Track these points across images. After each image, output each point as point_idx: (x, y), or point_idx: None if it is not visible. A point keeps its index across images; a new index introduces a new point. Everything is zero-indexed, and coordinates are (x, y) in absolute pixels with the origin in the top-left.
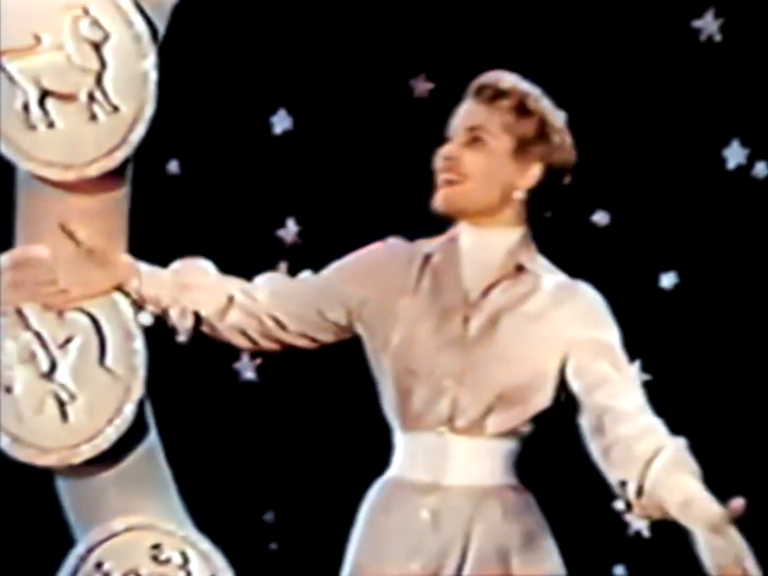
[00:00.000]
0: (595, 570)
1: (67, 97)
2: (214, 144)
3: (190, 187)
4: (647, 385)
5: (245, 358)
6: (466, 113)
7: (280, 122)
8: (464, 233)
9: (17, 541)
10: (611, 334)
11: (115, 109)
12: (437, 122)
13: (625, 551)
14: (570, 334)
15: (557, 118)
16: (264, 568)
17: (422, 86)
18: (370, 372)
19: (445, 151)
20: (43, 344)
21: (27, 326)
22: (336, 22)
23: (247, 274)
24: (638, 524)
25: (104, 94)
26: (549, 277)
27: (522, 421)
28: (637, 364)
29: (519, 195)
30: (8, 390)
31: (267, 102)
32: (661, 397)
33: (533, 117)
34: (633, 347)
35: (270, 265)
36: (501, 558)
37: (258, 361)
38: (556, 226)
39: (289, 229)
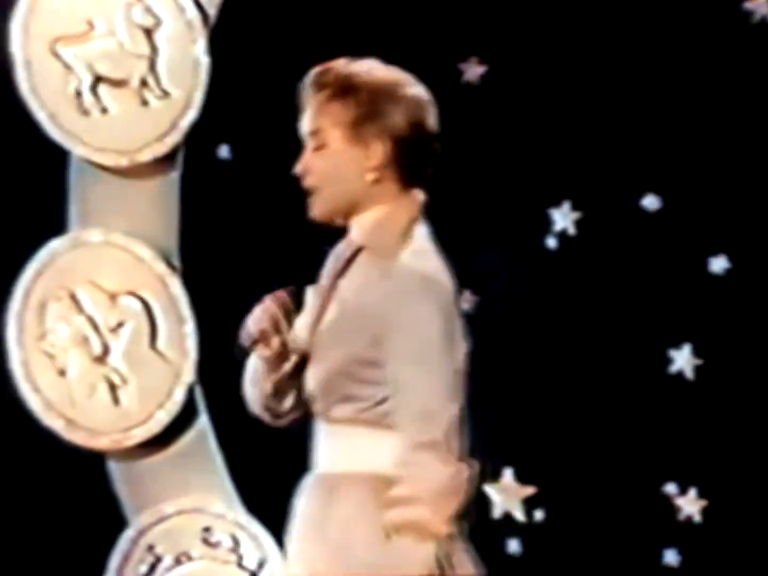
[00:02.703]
0: (645, 554)
1: (120, 83)
2: (265, 129)
3: (241, 172)
4: (699, 370)
5: None
6: (305, 119)
7: None
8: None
9: (70, 524)
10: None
11: (167, 94)
12: (489, 108)
13: (675, 536)
14: (381, 320)
15: (394, 85)
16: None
17: (474, 70)
18: None
19: (299, 162)
20: (96, 328)
21: (80, 310)
22: (382, 4)
23: (297, 260)
24: (689, 509)
25: (156, 79)
26: (388, 260)
27: (359, 409)
28: (687, 348)
29: (369, 177)
30: (62, 373)
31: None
32: (713, 383)
33: (358, 96)
34: (683, 332)
35: (320, 251)
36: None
37: None
38: (605, 211)
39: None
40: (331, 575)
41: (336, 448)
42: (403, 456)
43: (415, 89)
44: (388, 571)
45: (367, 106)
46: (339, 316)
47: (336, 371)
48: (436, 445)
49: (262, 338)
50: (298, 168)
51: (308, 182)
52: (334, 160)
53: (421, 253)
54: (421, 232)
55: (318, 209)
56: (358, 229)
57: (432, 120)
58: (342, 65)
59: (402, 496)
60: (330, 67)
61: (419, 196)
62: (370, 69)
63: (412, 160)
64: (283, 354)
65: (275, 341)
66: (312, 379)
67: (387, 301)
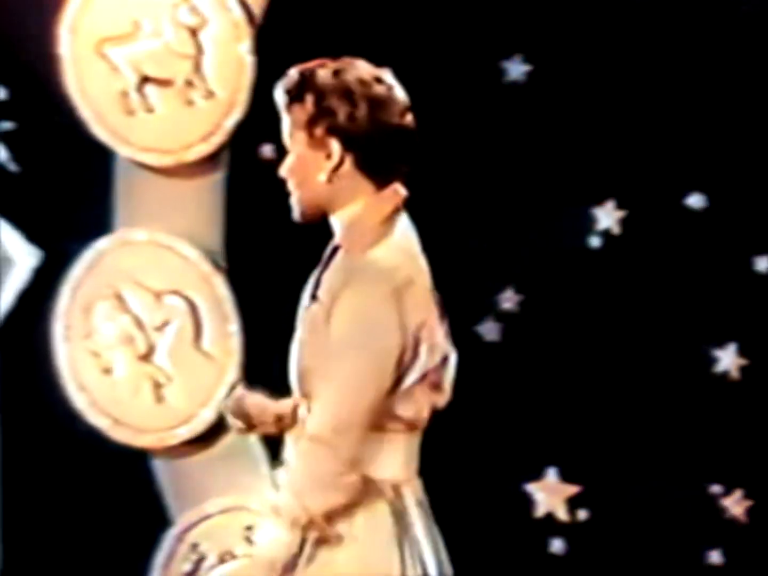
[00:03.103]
0: (689, 555)
1: (166, 83)
2: None
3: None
4: (744, 370)
5: None
6: (284, 129)
7: None
8: None
9: (114, 523)
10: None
11: (212, 94)
12: (533, 107)
13: (720, 536)
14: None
15: (354, 84)
16: None
17: (517, 69)
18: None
19: (282, 166)
20: (141, 327)
21: (126, 309)
22: (427, 4)
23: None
24: (734, 509)
25: (201, 79)
26: (349, 258)
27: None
28: (732, 347)
29: (322, 177)
30: (107, 372)
31: None
32: (758, 382)
33: (312, 97)
34: (728, 332)
35: None
36: None
37: None
38: (649, 209)
39: None
40: None
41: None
42: (301, 442)
43: (379, 88)
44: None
45: (318, 106)
46: (308, 313)
47: (305, 370)
48: (323, 441)
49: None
50: (281, 172)
51: (288, 185)
52: (299, 162)
53: (390, 249)
54: (400, 228)
55: (296, 211)
56: (335, 227)
57: (398, 118)
58: (307, 67)
59: (281, 482)
60: (296, 70)
61: (395, 192)
62: (336, 69)
63: (378, 159)
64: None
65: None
66: (293, 380)
67: (330, 294)
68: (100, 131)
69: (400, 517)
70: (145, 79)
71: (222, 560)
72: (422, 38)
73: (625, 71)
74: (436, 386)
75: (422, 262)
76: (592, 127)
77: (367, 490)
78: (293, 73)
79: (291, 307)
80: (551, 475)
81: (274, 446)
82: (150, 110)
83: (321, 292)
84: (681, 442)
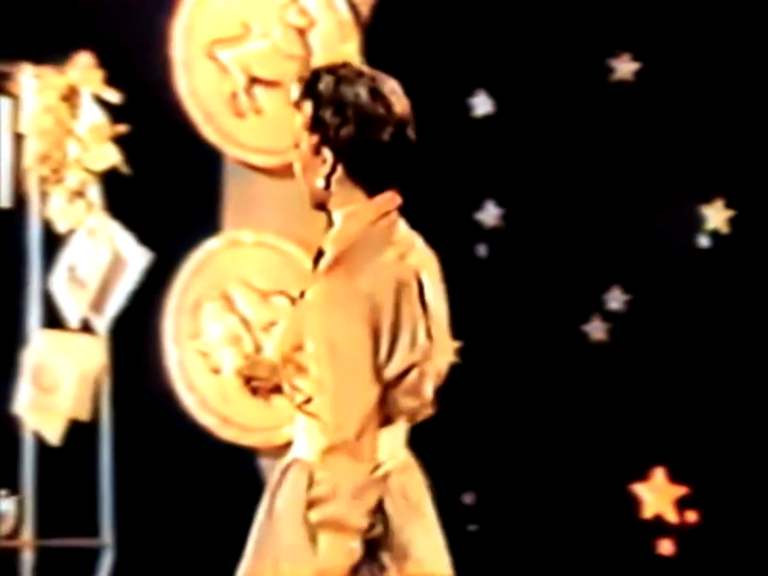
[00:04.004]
0: None
1: (274, 84)
2: (416, 126)
3: None
4: None
5: None
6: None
7: (481, 105)
8: None
9: (222, 520)
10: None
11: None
12: (641, 105)
13: None
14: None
15: (341, 96)
16: (462, 550)
17: (625, 67)
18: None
19: None
20: (248, 327)
21: (233, 310)
22: (535, 3)
23: (443, 256)
24: None
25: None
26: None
27: (301, 401)
28: None
29: (320, 183)
30: (216, 372)
31: (467, 84)
32: None
33: (309, 103)
34: None
35: (466, 248)
36: None
37: (458, 344)
38: (758, 209)
39: (489, 212)
40: (255, 562)
41: (295, 433)
42: (320, 457)
43: (374, 105)
44: (310, 563)
45: (314, 115)
46: (295, 310)
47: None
48: (348, 445)
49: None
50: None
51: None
52: (303, 161)
53: (365, 255)
54: (380, 234)
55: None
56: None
57: (389, 135)
58: (318, 70)
59: (320, 495)
60: (309, 72)
61: (388, 199)
62: (340, 78)
63: (366, 171)
64: None
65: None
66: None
67: (307, 305)
68: (209, 132)
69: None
70: (253, 81)
71: None
72: (529, 36)
73: (735, 69)
74: (410, 391)
75: (409, 268)
76: (701, 126)
77: None
78: (307, 73)
79: None
80: (659, 475)
81: None
82: (258, 111)
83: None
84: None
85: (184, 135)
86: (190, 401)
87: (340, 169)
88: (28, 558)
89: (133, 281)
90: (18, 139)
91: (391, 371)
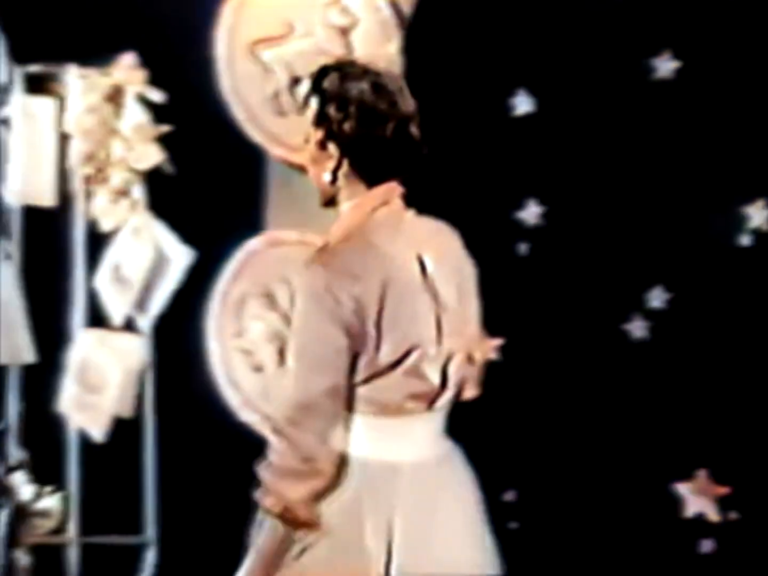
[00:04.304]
0: None
1: None
2: (458, 127)
3: (432, 170)
4: None
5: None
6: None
7: (522, 104)
8: None
9: None
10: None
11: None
12: (682, 104)
13: None
14: None
15: (344, 92)
16: (504, 547)
17: (666, 65)
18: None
19: None
20: (290, 324)
21: (275, 308)
22: (571, 2)
23: (484, 254)
24: None
25: None
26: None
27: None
28: None
29: (327, 177)
30: (258, 369)
31: (508, 83)
32: None
33: (315, 99)
34: None
35: (507, 246)
36: None
37: (498, 341)
38: None
39: (530, 210)
40: None
41: None
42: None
43: (377, 101)
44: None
45: (320, 111)
46: None
47: None
48: (282, 433)
49: None
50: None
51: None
52: (311, 156)
53: (356, 245)
54: (377, 224)
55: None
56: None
57: (391, 131)
58: (324, 67)
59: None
60: (317, 68)
61: (387, 189)
62: (345, 75)
63: (368, 166)
64: None
65: None
66: None
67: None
68: (252, 132)
69: (378, 498)
70: (296, 80)
71: None
72: (569, 35)
73: None
74: (413, 374)
75: (409, 255)
76: (743, 124)
77: (341, 475)
78: (317, 69)
79: None
80: (701, 476)
81: None
82: (301, 111)
83: None
84: None
85: (227, 134)
86: (232, 399)
87: (345, 164)
88: (73, 554)
89: (176, 280)
90: (63, 139)
91: (386, 357)
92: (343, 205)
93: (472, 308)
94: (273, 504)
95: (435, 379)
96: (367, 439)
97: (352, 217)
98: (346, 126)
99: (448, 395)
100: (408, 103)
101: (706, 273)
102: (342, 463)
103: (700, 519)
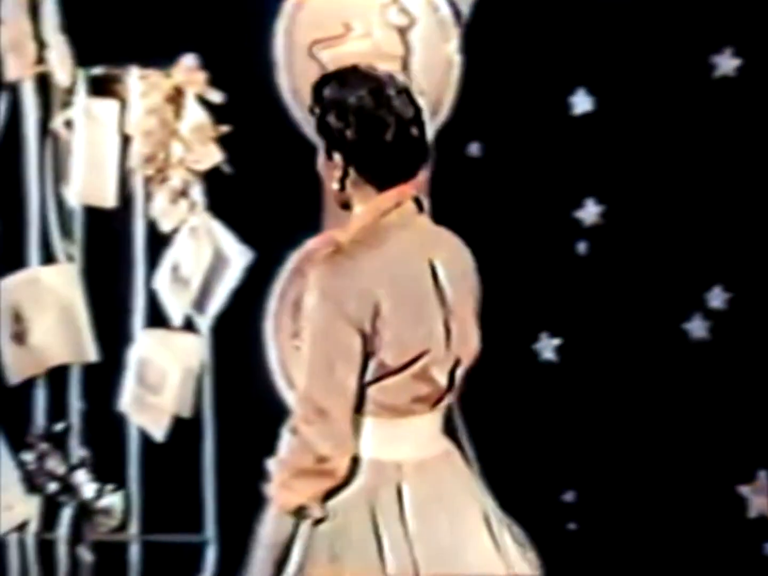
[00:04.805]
0: None
1: None
2: (516, 126)
3: (491, 170)
4: None
5: (544, 339)
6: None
7: (580, 103)
8: None
9: None
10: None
11: (420, 93)
12: (744, 101)
13: None
14: None
15: (343, 100)
16: (563, 548)
17: (728, 63)
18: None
19: None
20: None
21: None
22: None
23: (543, 254)
24: None
25: (409, 79)
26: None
27: None
28: None
29: (335, 186)
30: None
31: (567, 82)
32: None
33: (317, 108)
34: None
35: (566, 246)
36: None
37: (557, 341)
38: None
39: (589, 210)
40: None
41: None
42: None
43: (375, 108)
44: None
45: (322, 119)
46: None
47: None
48: (296, 429)
49: None
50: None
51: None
52: (322, 165)
53: (368, 248)
54: (388, 227)
55: None
56: None
57: (392, 135)
58: (326, 76)
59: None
60: (319, 77)
61: (393, 193)
62: (343, 83)
63: (373, 171)
64: None
65: None
66: None
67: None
68: (311, 132)
69: (383, 498)
70: None
71: None
72: (629, 33)
73: None
74: (421, 377)
75: (421, 260)
76: None
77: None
78: (315, 80)
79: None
80: (762, 477)
81: (480, 443)
82: None
83: None
84: None
85: (286, 135)
86: (290, 398)
87: (352, 172)
88: (135, 552)
89: (234, 280)
90: (124, 140)
91: (396, 360)
92: (356, 208)
93: (473, 316)
94: (287, 502)
95: (443, 382)
96: (373, 438)
97: (363, 219)
98: (348, 134)
99: (451, 397)
100: (407, 106)
101: (767, 272)
102: (352, 463)
103: (763, 520)
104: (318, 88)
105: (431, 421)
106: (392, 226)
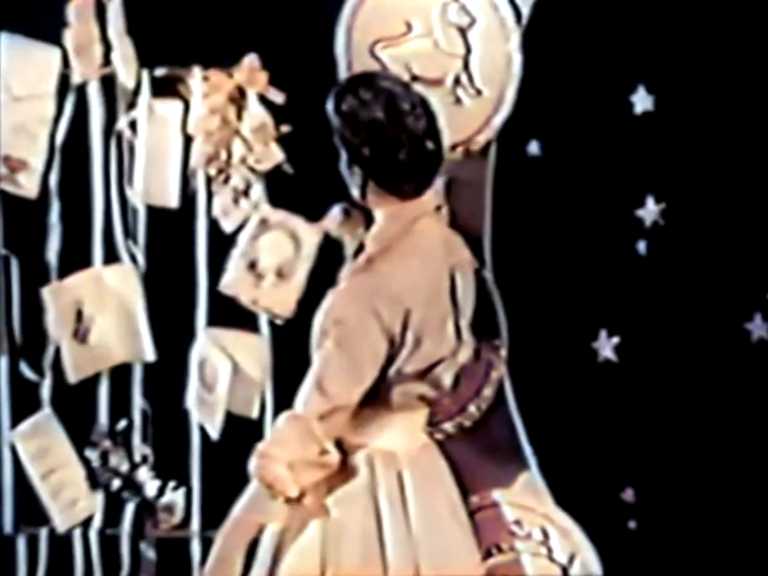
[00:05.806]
0: None
1: (435, 82)
2: (575, 125)
3: (551, 168)
4: None
5: (603, 337)
6: None
7: (641, 102)
8: None
9: None
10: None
11: (479, 92)
12: None
13: None
14: None
15: (359, 118)
16: (623, 547)
17: None
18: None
19: None
20: None
21: None
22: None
23: (603, 253)
24: None
25: (470, 78)
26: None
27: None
28: None
29: (356, 193)
30: None
31: (628, 81)
32: None
33: (337, 121)
34: None
35: (627, 245)
36: None
37: (616, 340)
38: None
39: (649, 209)
40: None
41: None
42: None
43: (388, 127)
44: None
45: (340, 134)
46: None
47: None
48: (299, 418)
49: None
50: None
51: None
52: (343, 167)
53: (400, 256)
54: (417, 236)
55: None
56: None
57: (405, 152)
58: (345, 87)
59: (266, 451)
60: (338, 85)
61: (421, 203)
62: (363, 99)
63: (390, 182)
64: None
65: None
66: None
67: (337, 292)
68: None
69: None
70: (414, 79)
71: (489, 553)
72: (689, 31)
73: None
74: (429, 380)
75: (444, 269)
76: None
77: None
78: (333, 91)
79: (555, 302)
80: None
81: (540, 442)
82: None
83: None
84: None
85: None
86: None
87: (371, 183)
88: (196, 548)
89: (311, 259)
90: (187, 140)
91: (414, 367)
92: (377, 210)
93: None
94: (284, 488)
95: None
96: (371, 430)
97: (392, 227)
98: (364, 151)
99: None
100: (420, 120)
101: None
102: (350, 453)
103: None
104: (337, 100)
105: (421, 416)
106: (420, 235)
